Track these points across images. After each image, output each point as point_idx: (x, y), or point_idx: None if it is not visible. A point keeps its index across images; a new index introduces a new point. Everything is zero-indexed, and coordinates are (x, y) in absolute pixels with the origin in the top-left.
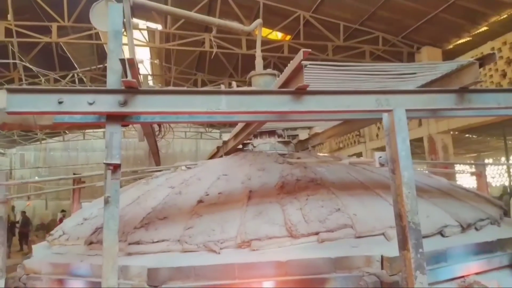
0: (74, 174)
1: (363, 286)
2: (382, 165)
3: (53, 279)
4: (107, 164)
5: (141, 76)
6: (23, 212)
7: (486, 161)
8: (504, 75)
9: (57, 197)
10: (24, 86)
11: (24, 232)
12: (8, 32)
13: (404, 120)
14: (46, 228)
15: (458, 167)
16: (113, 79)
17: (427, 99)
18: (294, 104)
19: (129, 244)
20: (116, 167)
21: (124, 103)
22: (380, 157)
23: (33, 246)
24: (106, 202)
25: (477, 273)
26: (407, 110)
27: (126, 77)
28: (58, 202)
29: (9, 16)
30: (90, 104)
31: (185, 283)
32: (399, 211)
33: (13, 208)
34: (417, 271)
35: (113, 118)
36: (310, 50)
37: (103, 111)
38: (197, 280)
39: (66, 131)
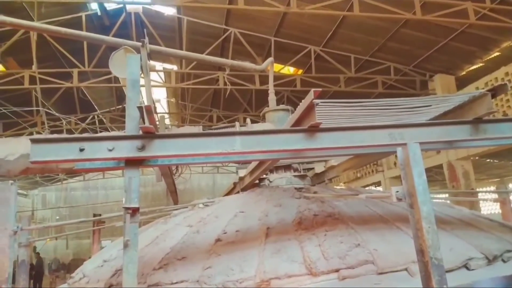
0: (94, 213)
1: None
2: (399, 199)
3: None
4: (126, 208)
5: (158, 115)
6: (37, 254)
7: (511, 185)
8: None
9: (77, 236)
10: (47, 136)
11: (39, 274)
12: (32, 79)
13: (419, 153)
14: (67, 268)
15: (480, 195)
16: (131, 125)
17: (441, 131)
18: (307, 141)
19: (149, 286)
20: (135, 211)
21: (142, 148)
22: (397, 191)
23: None
24: (126, 246)
25: None
26: (421, 143)
27: (144, 122)
28: (79, 241)
29: (34, 67)
30: (110, 150)
31: None
32: (420, 246)
33: (34, 248)
34: None
35: (131, 162)
36: (320, 89)
37: (122, 157)
38: None
39: None
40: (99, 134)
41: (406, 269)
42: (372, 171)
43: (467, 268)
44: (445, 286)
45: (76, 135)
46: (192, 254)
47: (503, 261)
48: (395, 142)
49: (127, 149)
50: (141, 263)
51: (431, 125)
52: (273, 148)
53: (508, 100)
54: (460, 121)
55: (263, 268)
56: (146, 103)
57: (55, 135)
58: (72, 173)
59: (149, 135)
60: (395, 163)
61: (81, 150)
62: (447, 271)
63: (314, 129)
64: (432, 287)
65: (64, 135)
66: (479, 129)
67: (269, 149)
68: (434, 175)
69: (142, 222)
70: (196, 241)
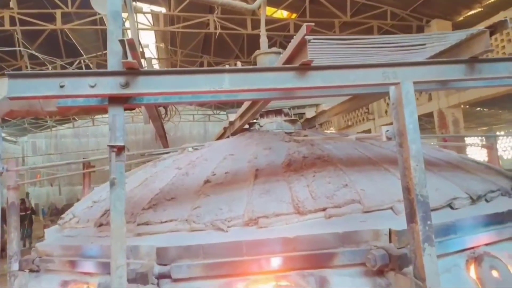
0: (83, 159)
1: (371, 259)
2: (389, 138)
3: (65, 261)
4: (111, 147)
5: (146, 60)
6: (22, 200)
7: (498, 134)
8: None
9: (69, 182)
10: (25, 71)
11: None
12: (13, 21)
13: (411, 92)
14: (60, 213)
15: (468, 140)
16: (113, 61)
17: (436, 70)
18: (298, 80)
19: (138, 225)
20: (120, 149)
21: (125, 85)
22: (387, 130)
23: (46, 230)
24: (112, 184)
25: (487, 244)
26: (415, 83)
27: (127, 59)
28: (71, 187)
29: (11, 4)
30: (92, 86)
31: (194, 261)
32: (407, 184)
33: (27, 194)
34: (426, 243)
35: (115, 100)
36: (313, 24)
37: (105, 93)
38: (205, 258)
39: (76, 118)
40: (80, 70)
41: (391, 208)
42: (363, 119)
43: (451, 207)
44: (429, 222)
45: (56, 71)
46: (181, 195)
47: (486, 200)
48: (388, 81)
49: (110, 86)
50: (130, 203)
51: (425, 64)
52: (263, 87)
53: (504, 47)
54: (455, 60)
55: (252, 208)
56: None
57: (34, 71)
58: (60, 115)
59: (133, 71)
60: (386, 111)
61: (61, 86)
62: (431, 210)
63: (306, 67)
64: (416, 223)
65: (44, 71)
66: (474, 69)
67: (258, 88)
68: (424, 124)
69: (132, 167)
70: (185, 182)
